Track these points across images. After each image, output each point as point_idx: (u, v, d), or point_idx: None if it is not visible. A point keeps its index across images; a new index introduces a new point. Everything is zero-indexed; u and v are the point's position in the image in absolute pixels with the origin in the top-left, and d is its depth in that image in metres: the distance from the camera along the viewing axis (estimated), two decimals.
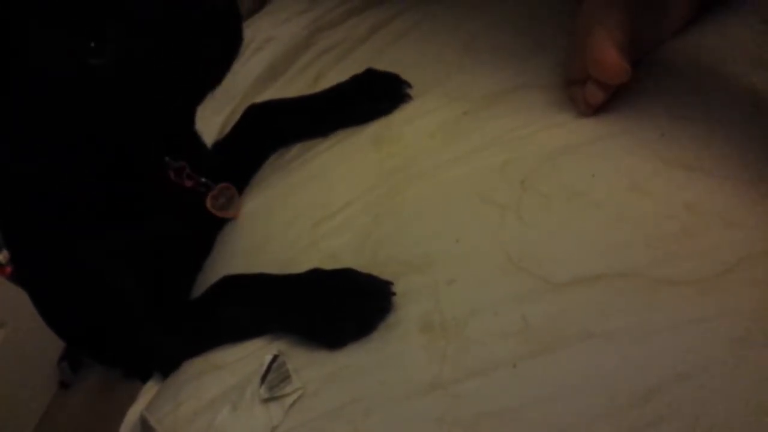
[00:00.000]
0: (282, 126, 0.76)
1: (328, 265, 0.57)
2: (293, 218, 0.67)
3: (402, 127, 0.69)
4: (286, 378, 0.52)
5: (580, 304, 0.46)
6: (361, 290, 0.53)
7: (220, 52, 0.56)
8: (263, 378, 0.52)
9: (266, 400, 0.51)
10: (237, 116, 0.79)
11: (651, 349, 0.42)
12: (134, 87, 0.53)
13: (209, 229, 0.72)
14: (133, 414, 0.62)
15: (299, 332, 0.55)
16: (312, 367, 0.52)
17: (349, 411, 0.48)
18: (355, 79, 0.74)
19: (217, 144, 0.78)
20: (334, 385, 0.50)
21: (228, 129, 0.80)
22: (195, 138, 0.72)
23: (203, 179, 0.68)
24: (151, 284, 0.64)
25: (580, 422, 0.41)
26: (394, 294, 0.52)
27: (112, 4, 0.50)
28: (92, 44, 0.50)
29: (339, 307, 0.53)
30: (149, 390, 0.64)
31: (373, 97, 0.72)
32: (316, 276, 0.56)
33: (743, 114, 0.53)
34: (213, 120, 0.85)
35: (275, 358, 0.53)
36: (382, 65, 0.74)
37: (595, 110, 0.58)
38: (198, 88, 0.58)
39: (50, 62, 0.49)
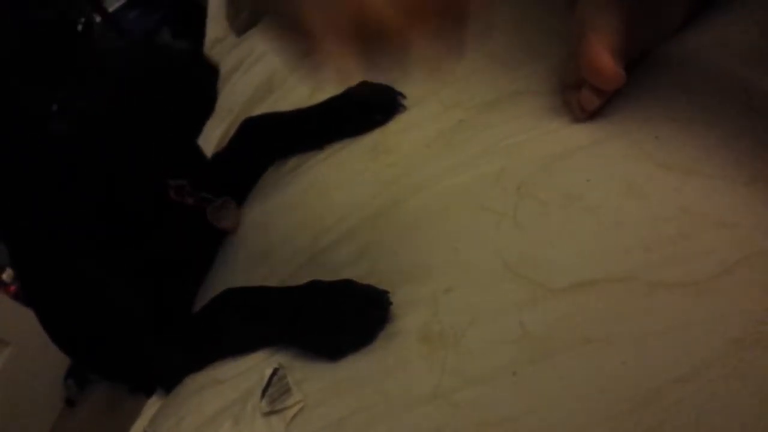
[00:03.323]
0: (278, 139, 0.77)
1: (327, 276, 0.57)
2: (292, 231, 0.67)
3: (398, 136, 0.69)
4: (286, 391, 0.52)
5: (578, 310, 0.46)
6: (359, 301, 0.53)
7: (192, 110, 0.57)
8: (264, 391, 0.52)
9: (267, 414, 0.51)
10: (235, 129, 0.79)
11: (649, 354, 0.42)
12: (103, 148, 0.53)
13: (210, 244, 0.72)
14: (136, 430, 0.62)
15: (299, 344, 0.55)
16: (313, 380, 0.52)
17: (350, 422, 0.48)
18: (350, 92, 0.74)
19: (215, 157, 0.78)
20: (335, 397, 0.50)
21: (226, 142, 0.80)
22: (196, 152, 0.73)
23: (204, 194, 0.68)
24: (153, 300, 0.64)
25: (580, 429, 0.41)
26: (391, 303, 0.53)
27: (72, 72, 0.51)
28: (54, 108, 0.50)
29: (338, 318, 0.53)
30: (152, 406, 0.64)
31: (367, 108, 0.72)
32: (315, 288, 0.57)
33: (737, 115, 0.53)
34: (211, 133, 0.86)
35: (276, 371, 0.53)
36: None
37: (591, 115, 0.58)
38: (172, 144, 0.59)
39: (14, 131, 0.51)
